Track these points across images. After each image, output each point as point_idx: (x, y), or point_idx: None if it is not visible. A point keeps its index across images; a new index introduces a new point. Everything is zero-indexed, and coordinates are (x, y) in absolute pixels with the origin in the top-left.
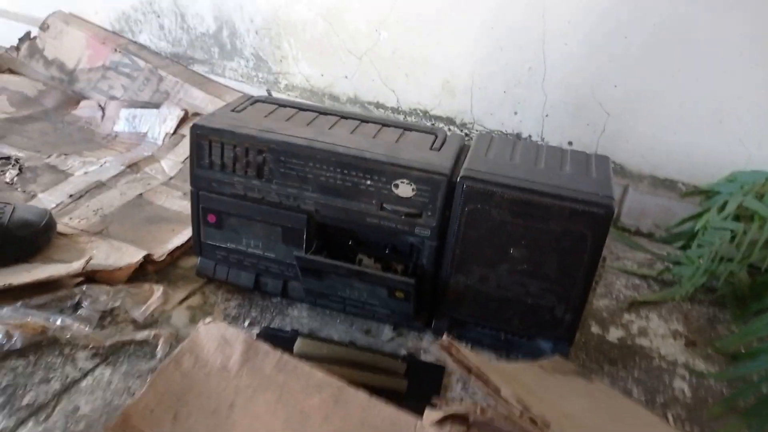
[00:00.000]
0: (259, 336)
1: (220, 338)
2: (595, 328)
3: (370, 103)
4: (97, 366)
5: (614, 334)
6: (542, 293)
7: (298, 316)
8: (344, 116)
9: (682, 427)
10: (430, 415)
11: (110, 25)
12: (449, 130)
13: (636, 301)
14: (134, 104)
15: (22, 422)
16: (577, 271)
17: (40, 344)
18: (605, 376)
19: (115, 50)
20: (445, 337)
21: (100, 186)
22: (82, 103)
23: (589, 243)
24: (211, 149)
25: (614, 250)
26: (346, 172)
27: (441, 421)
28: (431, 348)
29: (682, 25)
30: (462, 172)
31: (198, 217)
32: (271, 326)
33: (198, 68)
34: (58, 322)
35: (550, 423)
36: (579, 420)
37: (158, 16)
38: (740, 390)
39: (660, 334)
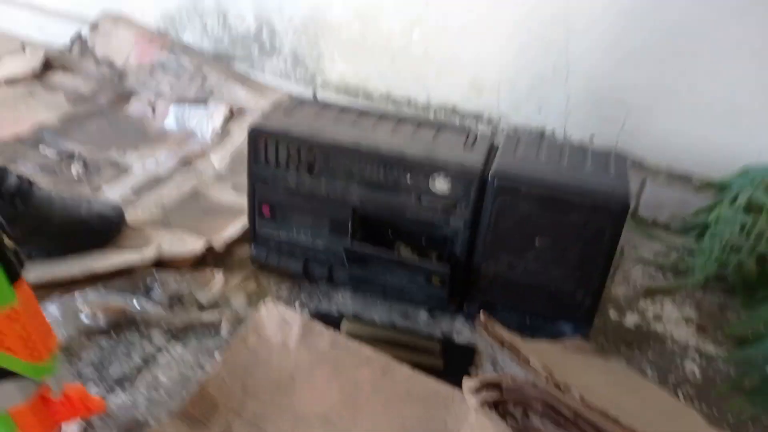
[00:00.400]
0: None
1: (279, 319)
2: (613, 314)
3: (401, 100)
4: (170, 343)
5: (631, 319)
6: (564, 279)
7: (342, 301)
8: (383, 116)
9: (691, 404)
10: (469, 383)
11: (155, 24)
12: (477, 125)
13: (651, 288)
14: (183, 101)
15: (111, 389)
16: (596, 260)
17: (120, 324)
18: (621, 358)
19: (161, 49)
20: (482, 314)
21: (158, 180)
22: (133, 100)
23: (607, 234)
24: (267, 148)
25: (632, 240)
26: (387, 169)
27: (478, 389)
28: (463, 330)
29: (698, 25)
30: (493, 169)
31: (254, 209)
32: (319, 309)
33: (239, 66)
34: (135, 304)
35: (570, 387)
36: (596, 390)
37: (201, 17)
38: (746, 371)
39: (673, 320)
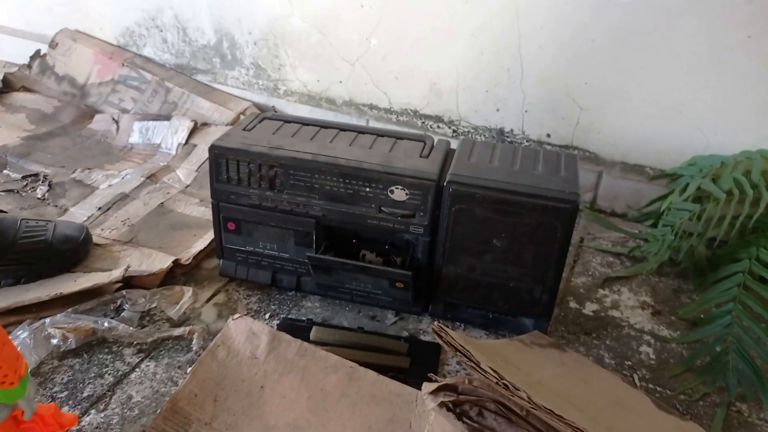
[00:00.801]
0: (279, 326)
1: (247, 331)
2: (573, 304)
3: (364, 105)
4: (142, 360)
5: (590, 307)
6: (522, 278)
7: (311, 307)
8: (343, 129)
9: (646, 387)
10: (427, 386)
11: (115, 40)
12: (438, 127)
13: (609, 277)
14: (146, 116)
15: (86, 412)
16: (551, 257)
17: (91, 344)
18: (581, 346)
19: (123, 64)
20: (435, 323)
21: (124, 197)
22: (96, 117)
23: (559, 233)
24: (228, 166)
25: (591, 230)
26: (347, 181)
27: (436, 391)
28: (429, 329)
29: (642, 27)
30: (448, 177)
31: (219, 225)
32: (289, 317)
33: (201, 78)
34: (105, 324)
35: (520, 387)
36: (550, 384)
37: (161, 31)
38: (697, 351)
39: (630, 306)
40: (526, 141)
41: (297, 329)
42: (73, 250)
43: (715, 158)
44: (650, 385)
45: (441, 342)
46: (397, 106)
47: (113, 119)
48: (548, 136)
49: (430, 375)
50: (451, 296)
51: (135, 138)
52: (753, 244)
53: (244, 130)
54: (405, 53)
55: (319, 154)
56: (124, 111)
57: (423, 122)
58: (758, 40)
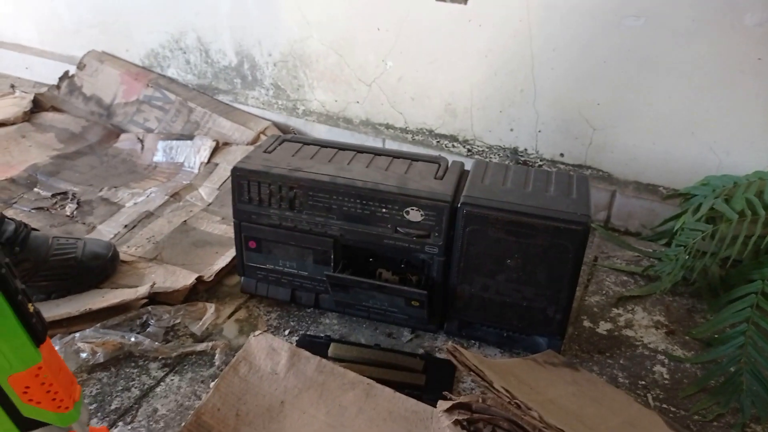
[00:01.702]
0: (298, 342)
1: (268, 347)
2: (587, 322)
3: (380, 125)
4: (167, 374)
5: (603, 326)
6: (535, 297)
7: (329, 324)
8: (360, 150)
9: (660, 407)
10: (442, 404)
11: (140, 61)
12: (453, 146)
13: (623, 296)
14: (170, 136)
15: (113, 424)
16: (563, 277)
17: (118, 358)
18: (594, 365)
19: (147, 85)
20: (449, 343)
21: (149, 215)
22: (122, 136)
23: (571, 254)
24: (250, 187)
25: (605, 249)
26: (364, 202)
27: (451, 409)
28: (444, 347)
29: (653, 48)
30: (462, 199)
31: (241, 244)
32: (308, 333)
33: (223, 98)
34: (132, 339)
35: (532, 407)
36: (562, 403)
37: (184, 53)
38: (711, 371)
39: (644, 325)
40: (540, 160)
41: (316, 345)
42: (101, 267)
43: (728, 178)
44: (664, 405)
45: (455, 362)
46: (412, 125)
47: (138, 138)
48: (562, 155)
49: (445, 393)
50: (466, 315)
51: (159, 157)
52: (766, 264)
53: (264, 152)
54: (420, 74)
55: (337, 176)
56: (149, 130)
57: (438, 141)
58: None
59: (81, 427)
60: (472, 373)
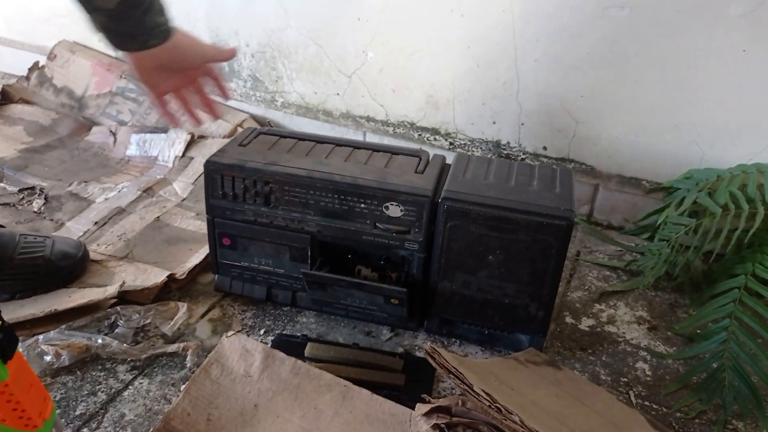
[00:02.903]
0: (274, 342)
1: (241, 349)
2: (569, 319)
3: (361, 117)
4: (135, 377)
5: (586, 323)
6: (517, 294)
7: (306, 323)
8: (338, 144)
9: (642, 404)
10: (421, 407)
11: (114, 52)
12: (435, 139)
13: (606, 291)
14: (143, 129)
15: (78, 431)
16: (546, 274)
17: (85, 360)
18: (577, 362)
19: (121, 76)
20: (428, 344)
21: (120, 212)
22: (94, 129)
23: (554, 250)
24: (223, 182)
25: (588, 243)
26: (342, 197)
27: (429, 413)
28: (424, 345)
29: (637, 40)
30: (443, 194)
31: (214, 241)
32: (284, 333)
33: None
34: (99, 341)
35: (513, 411)
36: (544, 405)
37: None
38: (693, 368)
39: (626, 321)
40: (523, 153)
41: (292, 345)
42: (70, 268)
43: (711, 172)
44: (646, 403)
45: (434, 364)
46: (394, 118)
47: (111, 131)
48: (545, 148)
49: (424, 396)
50: (447, 312)
51: (132, 150)
52: (749, 259)
53: (239, 145)
54: (401, 66)
55: (314, 170)
56: (122, 123)
57: (420, 134)
58: (753, 55)
59: None
60: (451, 375)
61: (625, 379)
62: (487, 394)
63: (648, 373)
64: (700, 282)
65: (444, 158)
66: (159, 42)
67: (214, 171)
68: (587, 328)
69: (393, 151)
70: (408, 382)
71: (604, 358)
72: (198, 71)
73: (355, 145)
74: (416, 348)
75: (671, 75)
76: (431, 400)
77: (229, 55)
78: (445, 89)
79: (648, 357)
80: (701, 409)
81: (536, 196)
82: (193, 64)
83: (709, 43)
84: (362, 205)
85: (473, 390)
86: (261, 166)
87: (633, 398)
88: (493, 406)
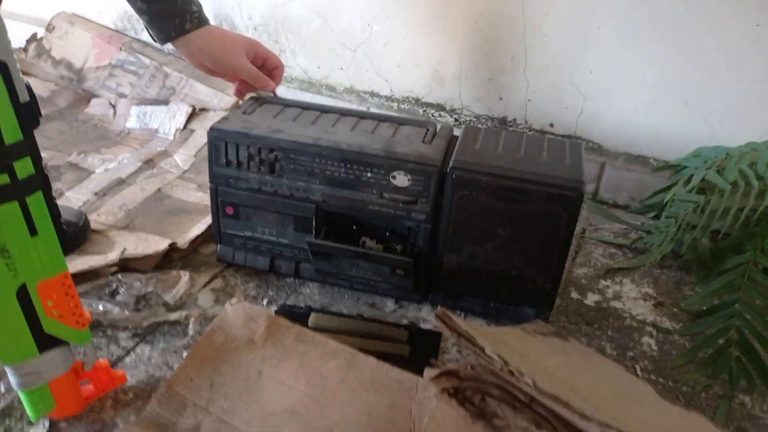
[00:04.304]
0: (277, 313)
1: (245, 316)
2: (574, 294)
3: (365, 93)
4: (137, 344)
5: (591, 298)
6: (524, 266)
7: (310, 294)
8: (344, 113)
9: (648, 378)
10: (429, 372)
11: (113, 24)
12: (440, 116)
13: (611, 268)
14: (144, 101)
15: None
16: (554, 246)
17: None
18: (582, 336)
19: (120, 48)
20: (439, 308)
21: (120, 183)
22: (93, 102)
23: (564, 221)
24: (227, 149)
25: (593, 221)
26: (348, 166)
27: (437, 377)
28: (429, 317)
29: (649, 14)
30: (451, 163)
31: (217, 210)
32: (287, 304)
33: None
34: (100, 308)
35: (524, 373)
36: (553, 373)
37: None
38: (700, 343)
39: (632, 297)
40: (529, 131)
41: (295, 316)
42: (72, 236)
43: (721, 149)
44: (652, 377)
45: (444, 327)
46: (398, 93)
47: (110, 104)
48: (551, 125)
49: (432, 360)
50: (452, 284)
51: (132, 123)
52: (758, 235)
53: (243, 113)
54: (407, 40)
55: (320, 138)
56: (122, 96)
57: (425, 110)
58: (767, 29)
59: (92, 350)
60: (462, 338)
61: (631, 354)
62: (500, 356)
63: (654, 348)
64: (707, 260)
65: (452, 129)
66: (194, 26)
67: (217, 138)
68: (593, 304)
69: (400, 122)
70: (413, 354)
71: (609, 333)
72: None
73: (362, 115)
74: (421, 320)
75: (682, 50)
76: (439, 364)
77: (265, 85)
78: (452, 64)
79: (654, 332)
80: (708, 384)
81: (546, 168)
82: (228, 70)
83: (722, 16)
84: (369, 174)
85: (485, 353)
86: (266, 134)
87: (639, 372)
88: (505, 369)
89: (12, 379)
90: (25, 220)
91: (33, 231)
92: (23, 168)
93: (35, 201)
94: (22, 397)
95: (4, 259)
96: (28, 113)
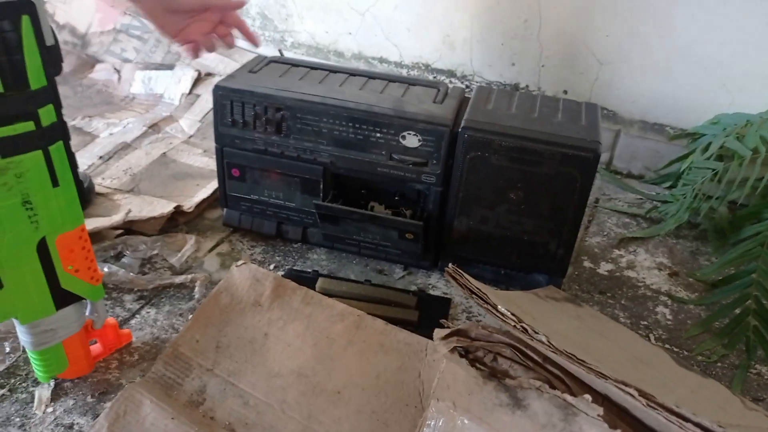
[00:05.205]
0: (284, 277)
1: (251, 278)
2: (587, 263)
3: (374, 58)
4: (142, 307)
5: (605, 267)
6: (537, 231)
7: (317, 259)
8: (352, 73)
9: (662, 346)
10: (439, 332)
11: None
12: (451, 82)
13: (625, 237)
14: (148, 66)
15: None
16: (568, 209)
17: None
18: (595, 305)
19: (125, 13)
20: (450, 265)
21: (125, 147)
22: (98, 67)
23: (579, 183)
24: (233, 108)
25: (606, 191)
26: (357, 126)
27: (447, 336)
28: (438, 284)
29: None
30: (463, 123)
31: (223, 172)
32: (295, 268)
33: None
34: (105, 269)
35: (538, 331)
36: (567, 335)
37: None
38: (716, 313)
39: (646, 267)
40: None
41: (303, 280)
42: None
43: (740, 116)
44: (667, 346)
45: (456, 284)
46: (408, 59)
47: (115, 69)
48: (565, 92)
49: (442, 321)
50: (462, 250)
51: (137, 88)
52: None
53: (250, 72)
54: (417, 2)
55: (328, 97)
56: (126, 61)
57: (435, 77)
58: None
59: (103, 308)
60: (473, 295)
61: (645, 323)
62: (513, 314)
63: (669, 317)
64: (724, 229)
65: (464, 90)
66: None
67: (223, 96)
68: (606, 273)
69: (410, 82)
70: (422, 319)
71: (623, 302)
72: (214, 15)
73: (371, 75)
74: (430, 287)
75: (702, 12)
76: (449, 324)
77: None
78: (463, 28)
79: (668, 302)
80: (724, 353)
81: (561, 128)
82: (195, 5)
83: None
84: (378, 135)
85: (498, 310)
86: (272, 92)
87: (653, 341)
88: (518, 326)
89: (26, 338)
90: (48, 171)
91: (55, 182)
92: (47, 115)
93: (57, 151)
94: (35, 357)
95: (26, 211)
96: (53, 58)
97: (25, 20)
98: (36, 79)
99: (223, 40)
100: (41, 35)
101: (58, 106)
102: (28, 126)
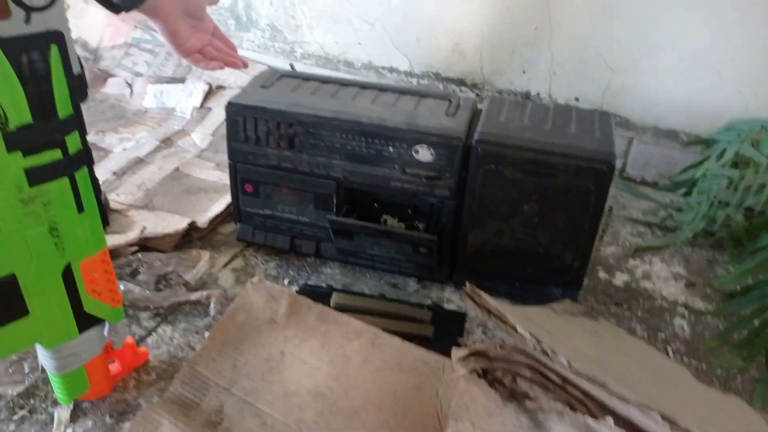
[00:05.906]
0: (298, 292)
1: (267, 295)
2: (602, 274)
3: (383, 68)
4: (158, 325)
5: (620, 278)
6: (552, 243)
7: (331, 274)
8: (364, 86)
9: (680, 360)
10: (457, 352)
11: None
12: (461, 91)
13: (640, 247)
14: (160, 80)
15: None
16: (583, 221)
17: None
18: (611, 317)
19: (136, 27)
20: (468, 285)
21: (139, 162)
22: (110, 81)
23: (593, 195)
24: (246, 124)
25: (620, 199)
26: (370, 140)
27: (466, 357)
28: (453, 298)
29: None
30: (476, 136)
31: (236, 187)
32: (309, 283)
33: None
34: (121, 287)
35: (558, 353)
36: (585, 352)
37: None
38: (734, 324)
39: (662, 277)
40: (554, 105)
41: (317, 295)
42: None
43: (755, 122)
44: (685, 359)
45: (474, 304)
46: (418, 68)
47: (127, 83)
48: (577, 100)
49: (460, 339)
50: (477, 263)
51: (149, 102)
52: None
53: (261, 87)
54: (427, 11)
55: (340, 112)
56: (138, 74)
57: (445, 86)
58: None
59: (123, 328)
60: (492, 316)
61: (663, 335)
62: (532, 335)
63: (686, 329)
64: (741, 238)
65: (476, 101)
66: None
67: (236, 113)
68: (621, 284)
69: (422, 94)
70: (437, 334)
71: (639, 314)
72: (208, 25)
73: (382, 88)
74: (444, 300)
75: (716, 18)
76: (468, 344)
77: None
78: (473, 36)
79: (686, 313)
80: (743, 367)
81: (575, 139)
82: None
83: None
84: (390, 149)
85: (517, 331)
86: (285, 108)
87: (671, 354)
88: (538, 348)
89: (49, 363)
90: (74, 197)
91: (80, 207)
92: (73, 142)
93: (82, 177)
94: (57, 381)
95: (53, 238)
96: (79, 86)
97: (54, 50)
98: (63, 107)
99: (227, 63)
100: (69, 64)
101: (83, 133)
102: (56, 154)
